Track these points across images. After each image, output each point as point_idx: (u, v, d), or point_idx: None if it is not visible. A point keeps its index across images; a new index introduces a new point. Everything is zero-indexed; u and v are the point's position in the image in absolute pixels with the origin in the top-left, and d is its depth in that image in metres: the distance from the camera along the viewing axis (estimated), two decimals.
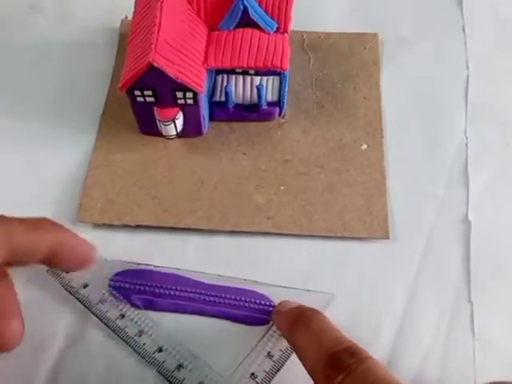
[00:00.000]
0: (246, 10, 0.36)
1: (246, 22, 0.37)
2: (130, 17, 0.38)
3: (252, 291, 0.35)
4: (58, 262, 0.30)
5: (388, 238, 0.37)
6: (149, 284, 0.35)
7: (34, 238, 0.29)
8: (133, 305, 0.34)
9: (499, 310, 0.35)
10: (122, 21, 0.46)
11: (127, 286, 0.35)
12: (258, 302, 0.34)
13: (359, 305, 0.35)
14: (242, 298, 0.35)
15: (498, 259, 0.37)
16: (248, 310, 0.34)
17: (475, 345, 0.34)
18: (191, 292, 0.35)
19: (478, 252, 0.37)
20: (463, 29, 0.46)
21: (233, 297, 0.35)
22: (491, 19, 0.46)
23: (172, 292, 0.35)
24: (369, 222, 0.37)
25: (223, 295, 0.35)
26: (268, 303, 0.34)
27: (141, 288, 0.35)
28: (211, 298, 0.35)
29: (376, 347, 0.34)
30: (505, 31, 0.46)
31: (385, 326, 0.35)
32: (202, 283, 0.35)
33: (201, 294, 0.35)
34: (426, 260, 0.36)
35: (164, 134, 0.39)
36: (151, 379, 0.33)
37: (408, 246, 0.37)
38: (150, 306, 0.34)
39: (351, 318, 0.35)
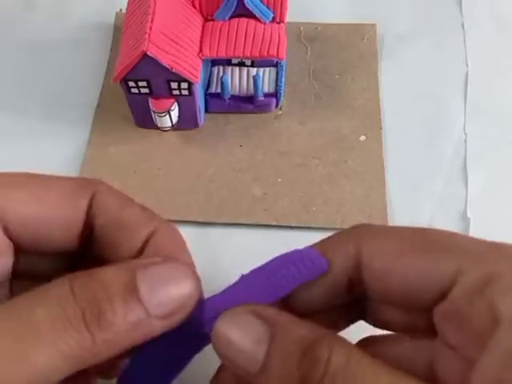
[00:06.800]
0: None
1: (242, 11, 0.37)
2: (124, 10, 0.38)
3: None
4: None
5: None
6: None
7: None
8: None
9: None
10: (117, 14, 0.45)
11: None
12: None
13: None
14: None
15: None
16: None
17: None
18: None
19: None
20: (462, 25, 0.45)
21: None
22: (490, 16, 0.46)
23: None
24: (367, 213, 0.36)
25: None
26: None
27: None
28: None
29: None
30: (504, 28, 0.45)
31: None
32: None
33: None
34: None
35: (159, 125, 0.39)
36: None
37: None
38: None
39: None
